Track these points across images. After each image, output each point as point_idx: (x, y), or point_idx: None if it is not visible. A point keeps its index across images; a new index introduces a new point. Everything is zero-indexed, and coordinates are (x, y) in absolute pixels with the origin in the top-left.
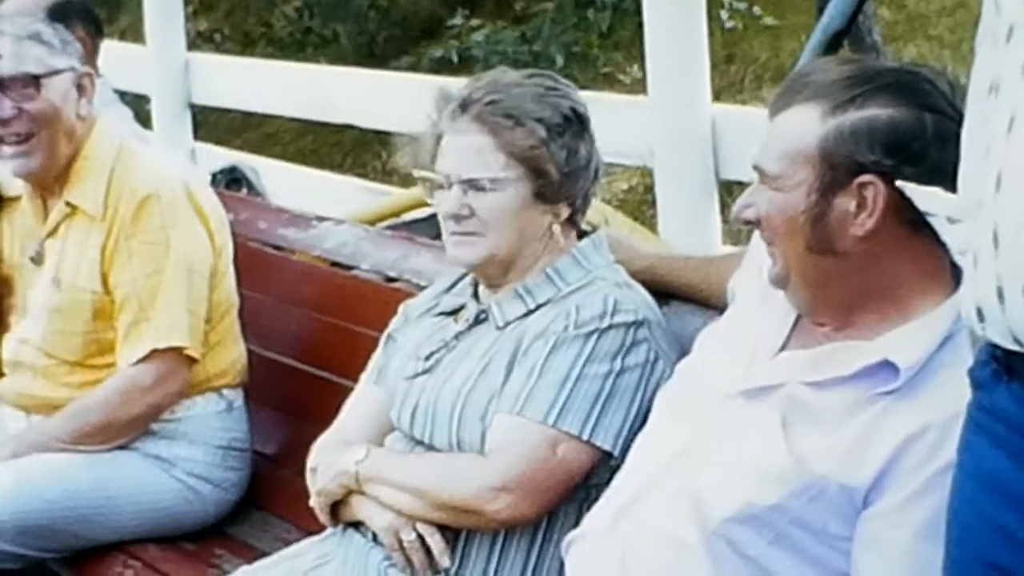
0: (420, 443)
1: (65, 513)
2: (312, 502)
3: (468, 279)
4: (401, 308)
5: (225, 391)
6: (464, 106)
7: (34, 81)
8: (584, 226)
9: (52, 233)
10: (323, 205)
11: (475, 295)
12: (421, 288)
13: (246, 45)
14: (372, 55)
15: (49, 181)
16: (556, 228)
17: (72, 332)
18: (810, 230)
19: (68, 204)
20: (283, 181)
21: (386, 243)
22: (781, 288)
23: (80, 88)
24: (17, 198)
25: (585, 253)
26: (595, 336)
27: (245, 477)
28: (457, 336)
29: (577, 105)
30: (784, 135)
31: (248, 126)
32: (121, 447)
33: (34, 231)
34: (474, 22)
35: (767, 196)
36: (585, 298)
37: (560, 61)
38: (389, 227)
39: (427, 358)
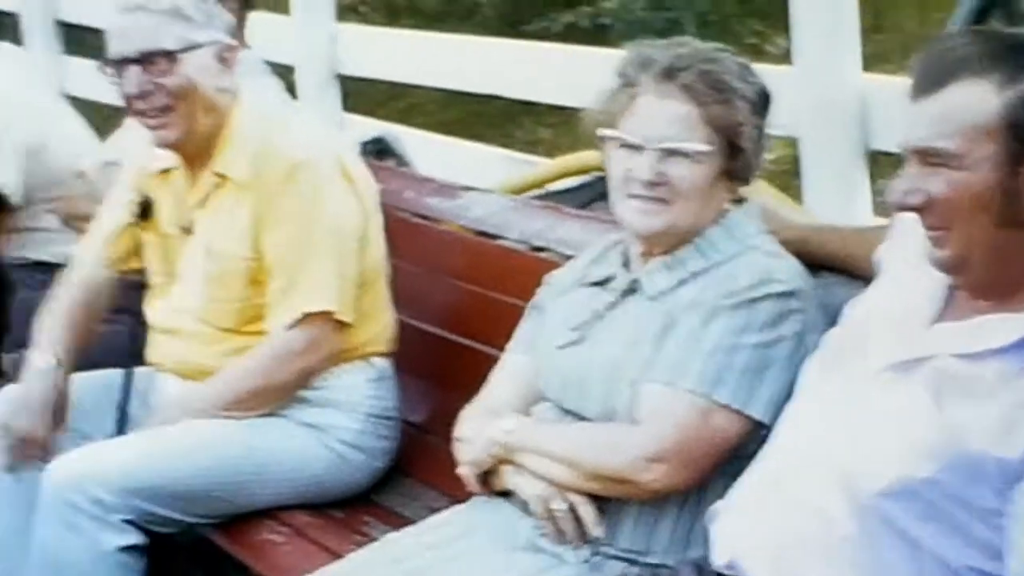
0: (570, 413)
1: (217, 480)
2: (461, 471)
3: (617, 249)
4: (547, 278)
5: (375, 359)
6: (670, 72)
7: (170, 56)
8: None
9: (202, 203)
10: (469, 175)
11: (624, 265)
12: (567, 258)
13: (391, 16)
14: (511, 24)
15: (194, 152)
16: (728, 206)
17: (227, 299)
18: (1001, 205)
19: (216, 174)
20: (429, 152)
21: (533, 213)
22: (954, 273)
23: (223, 60)
24: (169, 170)
25: (737, 223)
26: (749, 306)
27: (394, 446)
28: (607, 306)
29: (764, 86)
30: (954, 112)
31: (392, 97)
32: (273, 414)
33: (184, 201)
34: None
35: (943, 177)
36: (738, 268)
37: (693, 30)
38: (535, 197)
39: (577, 328)
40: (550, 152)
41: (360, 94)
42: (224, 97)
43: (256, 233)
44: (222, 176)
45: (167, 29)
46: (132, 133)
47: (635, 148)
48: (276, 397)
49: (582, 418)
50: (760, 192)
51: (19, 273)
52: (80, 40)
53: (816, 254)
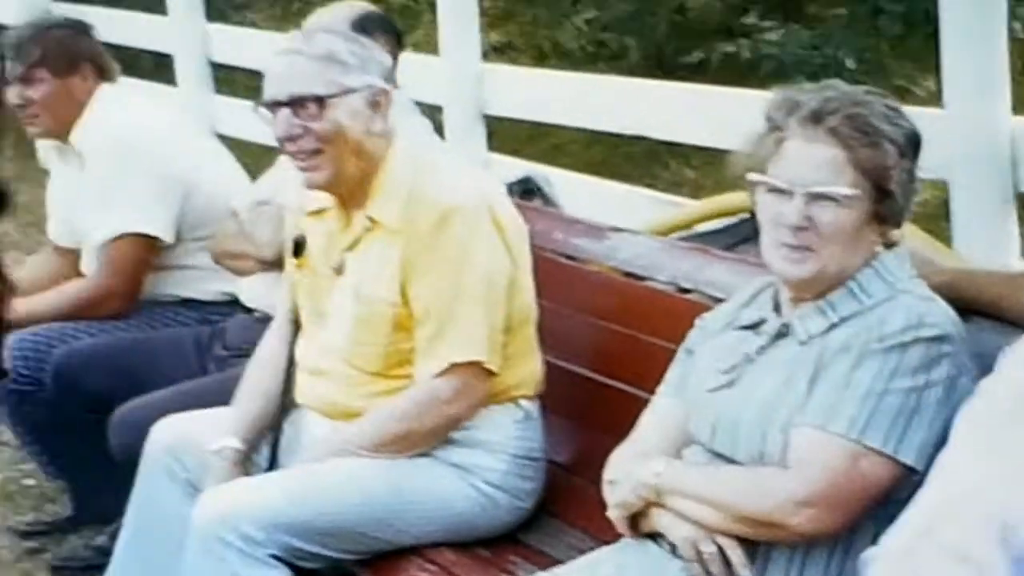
0: (720, 456)
1: (365, 517)
2: (610, 513)
3: (768, 292)
4: (698, 321)
5: (522, 401)
6: (818, 116)
7: (320, 102)
8: None
9: (353, 246)
10: (614, 216)
11: (775, 308)
12: (716, 300)
13: (538, 58)
14: (660, 67)
15: (347, 194)
16: (879, 249)
17: (373, 343)
18: None
19: (369, 218)
20: (575, 192)
21: (681, 254)
22: None
23: (375, 105)
24: (323, 210)
25: (888, 266)
26: (900, 350)
27: (540, 487)
28: (759, 350)
29: (914, 129)
30: None
31: (536, 137)
32: (420, 454)
33: (337, 242)
34: (767, 23)
35: None
36: (889, 312)
37: (852, 66)
38: (682, 239)
39: (728, 372)
40: (695, 193)
41: (504, 133)
42: (376, 141)
43: (405, 279)
44: (374, 220)
45: (320, 74)
46: (285, 172)
47: (783, 193)
48: (422, 443)
49: (732, 461)
50: (910, 235)
51: (170, 310)
52: (231, 80)
53: (966, 298)
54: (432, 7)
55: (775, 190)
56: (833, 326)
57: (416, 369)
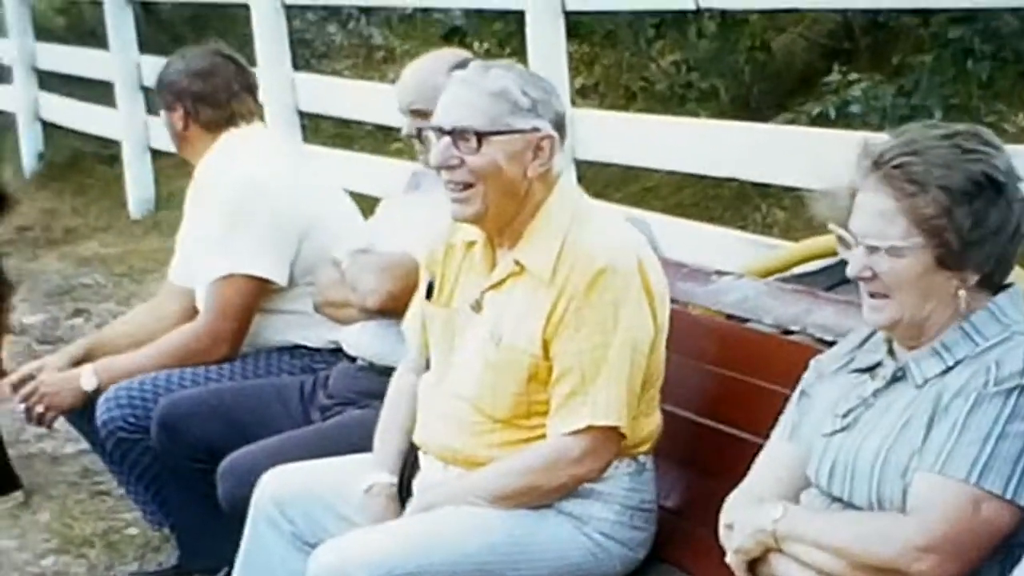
0: (838, 500)
1: (479, 565)
2: (729, 558)
3: (881, 335)
4: (813, 364)
5: (641, 456)
6: (876, 164)
7: (480, 136)
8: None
9: (496, 286)
10: (710, 259)
11: (890, 352)
12: (821, 342)
13: (627, 100)
14: (748, 107)
15: (496, 233)
16: (962, 293)
17: (504, 391)
18: None
19: (517, 262)
20: (668, 235)
21: (787, 297)
22: None
23: (538, 149)
24: (473, 243)
25: (1003, 307)
26: (1017, 392)
27: (651, 536)
28: (875, 393)
29: (993, 170)
30: None
31: (627, 180)
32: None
33: (478, 279)
34: (851, 76)
35: None
36: (1005, 353)
37: (939, 114)
38: (779, 280)
39: (845, 415)
40: (785, 235)
41: (593, 177)
42: (533, 186)
43: (549, 334)
44: (521, 265)
45: (488, 109)
46: (384, 220)
47: (850, 245)
48: (544, 498)
49: (850, 505)
50: (1019, 276)
51: (274, 358)
52: (316, 128)
53: None
54: (514, 53)
55: (846, 242)
56: (949, 368)
57: (549, 424)
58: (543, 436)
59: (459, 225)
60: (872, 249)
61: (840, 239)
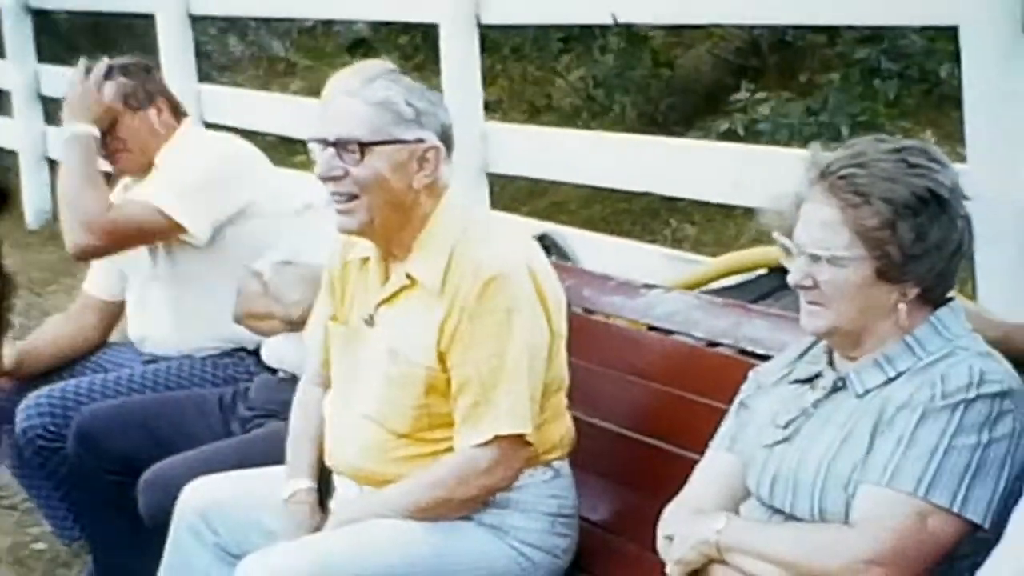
0: (779, 512)
1: None
2: (669, 570)
3: (821, 346)
4: (752, 375)
5: (554, 463)
6: (822, 175)
7: (364, 147)
8: None
9: (388, 300)
10: (628, 273)
11: (830, 363)
12: (746, 354)
13: (531, 115)
14: (655, 124)
15: (384, 247)
16: (902, 306)
17: (404, 405)
18: None
19: (408, 275)
20: (585, 248)
21: (717, 310)
22: None
23: (422, 161)
24: (367, 259)
25: (944, 322)
26: (962, 407)
27: (574, 543)
28: (815, 404)
29: (937, 186)
30: None
31: (535, 194)
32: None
33: (371, 294)
34: (759, 95)
35: None
36: (949, 368)
37: (846, 132)
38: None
39: (785, 426)
40: (696, 249)
41: (501, 192)
42: (419, 197)
43: (444, 345)
44: (412, 278)
45: (371, 120)
46: (306, 232)
47: (792, 253)
48: (458, 510)
49: (791, 517)
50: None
51: (198, 365)
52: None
53: (1020, 352)
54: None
55: (789, 251)
56: (890, 380)
57: (456, 437)
58: (449, 449)
59: (353, 242)
60: (814, 258)
61: (784, 248)
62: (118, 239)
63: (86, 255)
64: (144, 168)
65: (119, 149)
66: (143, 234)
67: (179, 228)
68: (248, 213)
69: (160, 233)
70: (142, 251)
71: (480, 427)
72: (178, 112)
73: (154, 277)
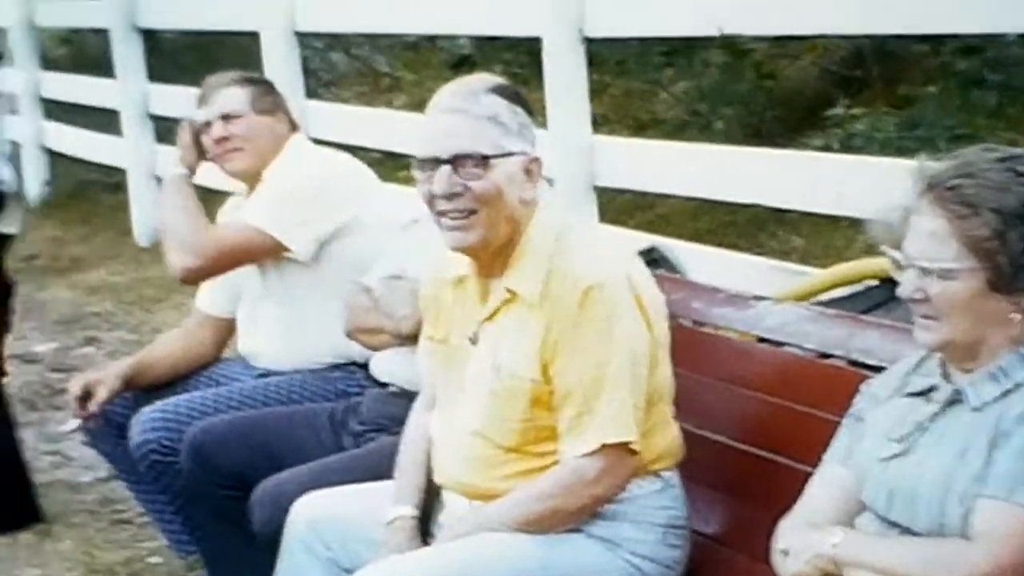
0: (896, 526)
1: None
2: None
3: (935, 359)
4: (864, 388)
5: (663, 472)
6: (930, 186)
7: (483, 161)
8: None
9: (491, 317)
10: (734, 285)
11: (945, 375)
12: (864, 367)
13: (636, 129)
14: (758, 136)
15: (489, 261)
16: (1015, 317)
17: (510, 419)
18: None
19: (508, 290)
20: (692, 260)
21: (828, 321)
22: None
23: (528, 172)
24: (463, 279)
25: None
26: None
27: (685, 554)
28: (932, 418)
29: None
30: None
31: (642, 207)
32: (567, 528)
33: (474, 312)
34: (855, 111)
35: None
36: None
37: (944, 146)
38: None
39: (900, 440)
40: (803, 261)
41: (607, 205)
42: (524, 209)
43: (546, 357)
44: (512, 292)
45: (483, 134)
46: (412, 246)
47: (902, 266)
48: (568, 521)
49: (908, 531)
50: None
51: (309, 380)
52: None
53: None
54: (525, 82)
55: (899, 264)
56: (1007, 392)
57: (561, 449)
58: (555, 462)
59: (448, 261)
60: (924, 271)
61: (893, 261)
62: (223, 261)
63: (193, 278)
64: (254, 174)
65: (235, 148)
66: (248, 254)
67: (281, 247)
68: (352, 228)
69: (264, 252)
70: (251, 268)
71: (585, 436)
72: (294, 129)
73: (264, 294)
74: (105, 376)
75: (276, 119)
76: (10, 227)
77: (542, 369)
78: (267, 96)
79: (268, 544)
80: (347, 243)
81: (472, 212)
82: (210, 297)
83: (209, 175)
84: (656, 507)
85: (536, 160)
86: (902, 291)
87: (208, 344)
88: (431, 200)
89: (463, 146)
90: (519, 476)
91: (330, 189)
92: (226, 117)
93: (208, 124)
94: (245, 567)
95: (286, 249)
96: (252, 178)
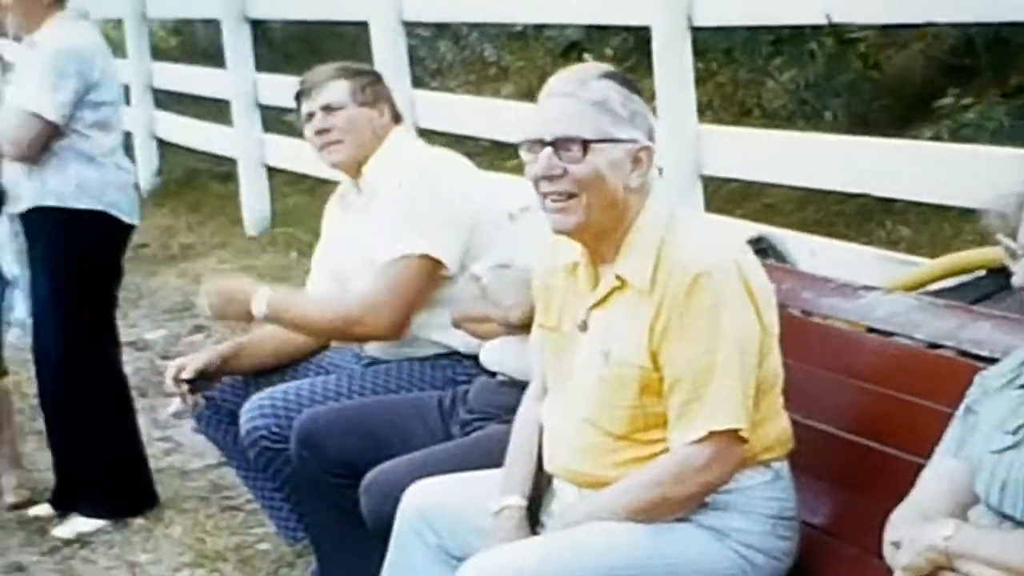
0: (1009, 519)
1: None
2: None
3: None
4: (977, 380)
5: (772, 463)
6: None
7: (584, 145)
8: None
9: (600, 303)
10: (843, 274)
11: None
12: (975, 358)
13: (740, 118)
14: (865, 125)
15: (595, 248)
16: None
17: (619, 406)
18: None
19: (617, 277)
20: (799, 250)
21: (939, 312)
22: None
23: (636, 161)
24: (575, 265)
25: None
26: None
27: (795, 546)
28: None
29: None
30: None
31: (747, 197)
32: (676, 518)
33: (583, 298)
34: (965, 100)
35: None
36: None
37: None
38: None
39: (1015, 432)
40: (911, 251)
41: (713, 194)
42: (631, 197)
43: (655, 344)
44: (622, 279)
45: (588, 119)
46: (520, 234)
47: (1015, 255)
48: (677, 509)
49: (1021, 524)
50: None
51: (417, 368)
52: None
53: None
54: (632, 69)
55: (1011, 251)
56: None
57: (670, 436)
58: (664, 450)
59: (561, 248)
60: None
61: (1008, 250)
62: (406, 303)
63: (396, 334)
64: (354, 166)
65: (335, 141)
66: (420, 287)
67: (440, 265)
68: (480, 223)
69: (430, 278)
70: (355, 256)
71: (694, 424)
72: (398, 120)
73: None
74: (203, 355)
75: (378, 111)
76: (132, 218)
77: (651, 356)
78: (369, 88)
79: (377, 531)
80: (475, 240)
81: (572, 195)
82: (317, 285)
83: (318, 164)
84: (766, 498)
85: (646, 149)
86: (1016, 280)
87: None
88: (536, 181)
89: (565, 129)
90: (629, 464)
91: (454, 198)
92: (327, 108)
93: (311, 115)
94: (354, 554)
95: (444, 267)
96: (353, 169)
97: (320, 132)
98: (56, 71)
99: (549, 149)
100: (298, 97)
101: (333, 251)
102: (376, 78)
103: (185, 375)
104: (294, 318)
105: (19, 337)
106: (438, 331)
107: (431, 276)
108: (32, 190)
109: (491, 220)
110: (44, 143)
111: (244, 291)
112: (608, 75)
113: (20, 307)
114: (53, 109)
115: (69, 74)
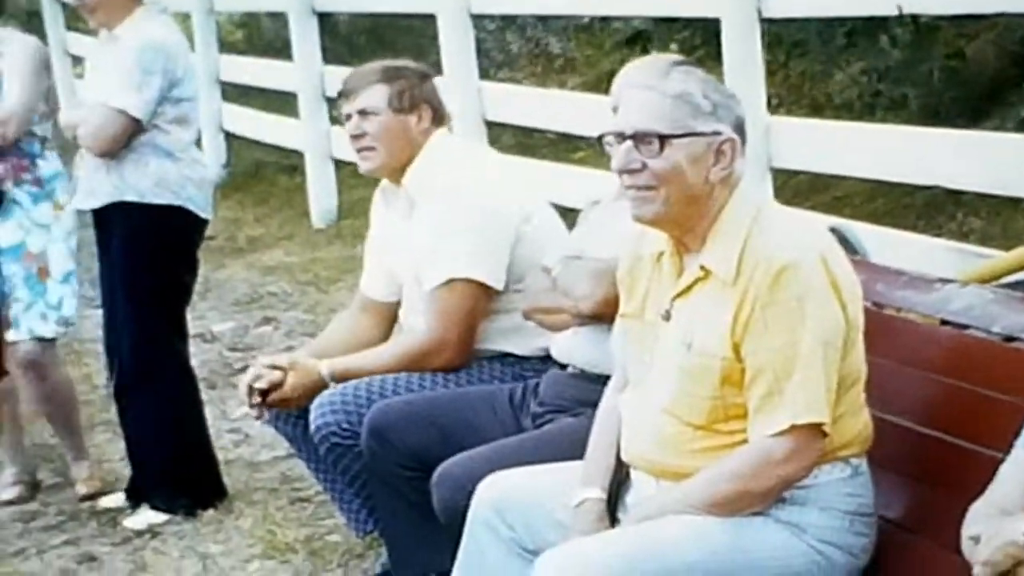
0: None
1: (702, 574)
2: (976, 572)
3: None
4: None
5: (851, 459)
6: None
7: (662, 140)
8: None
9: (683, 293)
10: (915, 267)
11: None
12: None
13: (812, 110)
14: (937, 116)
15: (679, 238)
16: None
17: (700, 396)
18: None
19: (702, 267)
20: (871, 242)
21: (1016, 305)
22: None
23: (719, 153)
24: (661, 254)
25: None
26: None
27: (872, 542)
28: None
29: None
30: None
31: (817, 189)
32: (754, 512)
33: (667, 288)
34: None
35: None
36: None
37: None
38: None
39: None
40: (982, 243)
41: (782, 185)
42: (715, 190)
43: (737, 335)
44: (706, 269)
45: (669, 112)
46: (591, 226)
47: None
48: (756, 503)
49: None
50: None
51: (486, 365)
52: (496, 138)
53: None
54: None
55: None
56: None
57: (750, 428)
58: (743, 441)
59: (646, 236)
60: None
61: None
62: (466, 329)
63: (465, 359)
64: (392, 172)
65: (367, 147)
66: (473, 309)
67: (491, 288)
68: (523, 232)
69: (480, 298)
70: (403, 270)
71: (775, 416)
72: (441, 122)
73: None
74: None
75: (416, 115)
76: (206, 212)
77: (733, 347)
78: (409, 91)
79: (449, 524)
80: (524, 242)
81: (650, 188)
82: (370, 282)
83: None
84: (843, 494)
85: (730, 140)
86: None
87: (374, 327)
88: (620, 173)
89: (644, 124)
90: (708, 454)
91: (485, 214)
92: (363, 113)
93: (348, 117)
94: (425, 547)
95: (494, 291)
96: (391, 175)
97: (355, 137)
98: (142, 68)
99: (629, 143)
100: (340, 97)
101: (382, 250)
102: (420, 79)
103: (260, 384)
104: (359, 373)
105: (59, 334)
106: (496, 337)
107: (480, 296)
108: (109, 185)
109: (538, 226)
110: (127, 140)
111: (308, 374)
112: (689, 64)
113: (69, 304)
114: (139, 106)
115: (155, 71)
